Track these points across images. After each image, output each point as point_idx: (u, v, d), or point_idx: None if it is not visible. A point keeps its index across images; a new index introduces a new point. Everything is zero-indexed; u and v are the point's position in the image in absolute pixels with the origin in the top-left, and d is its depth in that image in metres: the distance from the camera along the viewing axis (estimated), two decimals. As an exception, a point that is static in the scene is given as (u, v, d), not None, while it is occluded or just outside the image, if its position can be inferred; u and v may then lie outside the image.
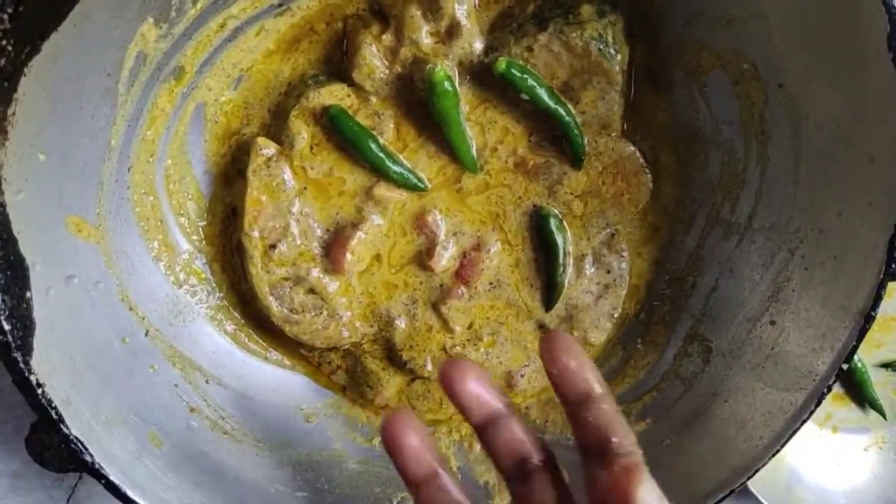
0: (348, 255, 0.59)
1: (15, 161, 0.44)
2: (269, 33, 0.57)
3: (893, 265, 0.50)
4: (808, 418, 0.54)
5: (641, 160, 0.60)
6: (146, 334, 0.56)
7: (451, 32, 0.55)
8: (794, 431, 0.55)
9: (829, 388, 0.54)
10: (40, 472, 0.67)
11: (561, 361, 0.40)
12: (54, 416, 0.47)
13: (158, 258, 0.58)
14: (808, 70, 0.52)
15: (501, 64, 0.54)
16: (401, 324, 0.62)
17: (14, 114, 0.43)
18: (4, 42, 0.41)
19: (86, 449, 0.49)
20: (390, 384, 0.64)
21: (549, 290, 0.62)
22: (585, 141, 0.58)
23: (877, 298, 0.51)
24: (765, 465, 0.56)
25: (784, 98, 0.54)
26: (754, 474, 0.56)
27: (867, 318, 0.51)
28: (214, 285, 0.62)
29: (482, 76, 0.57)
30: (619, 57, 0.56)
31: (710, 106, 0.59)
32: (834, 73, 0.50)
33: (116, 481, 0.49)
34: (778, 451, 0.55)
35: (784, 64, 0.53)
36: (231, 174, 0.60)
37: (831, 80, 0.51)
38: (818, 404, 0.54)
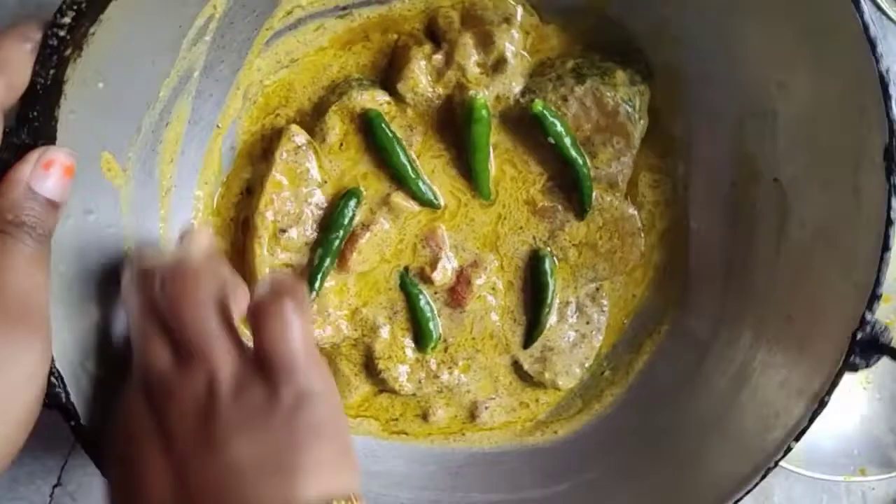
0: (355, 254, 0.60)
1: (79, 81, 0.45)
2: (327, 31, 0.60)
3: (852, 357, 0.55)
4: (751, 489, 0.58)
5: (639, 224, 0.64)
6: (142, 288, 0.56)
7: (497, 67, 0.59)
8: (738, 501, 0.58)
9: (776, 464, 0.57)
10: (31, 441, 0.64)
11: None
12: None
13: (164, 219, 0.58)
14: (804, 170, 0.56)
15: (538, 105, 0.58)
16: (384, 333, 0.63)
17: (94, 34, 0.44)
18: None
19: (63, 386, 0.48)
20: (357, 391, 0.65)
21: (532, 328, 0.65)
22: (594, 195, 0.63)
23: (832, 385, 0.55)
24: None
25: (777, 192, 0.59)
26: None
27: (821, 403, 0.55)
28: (213, 257, 0.61)
29: (513, 115, 0.61)
30: (641, 123, 0.61)
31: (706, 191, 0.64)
32: (828, 176, 0.55)
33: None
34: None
35: (782, 161, 0.58)
36: (255, 154, 0.61)
37: (825, 182, 0.55)
38: (763, 477, 0.57)
